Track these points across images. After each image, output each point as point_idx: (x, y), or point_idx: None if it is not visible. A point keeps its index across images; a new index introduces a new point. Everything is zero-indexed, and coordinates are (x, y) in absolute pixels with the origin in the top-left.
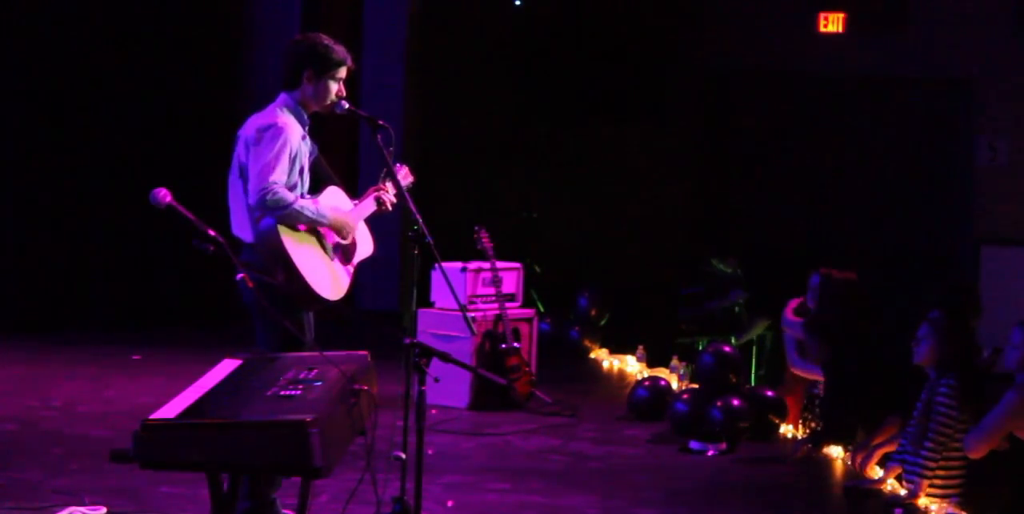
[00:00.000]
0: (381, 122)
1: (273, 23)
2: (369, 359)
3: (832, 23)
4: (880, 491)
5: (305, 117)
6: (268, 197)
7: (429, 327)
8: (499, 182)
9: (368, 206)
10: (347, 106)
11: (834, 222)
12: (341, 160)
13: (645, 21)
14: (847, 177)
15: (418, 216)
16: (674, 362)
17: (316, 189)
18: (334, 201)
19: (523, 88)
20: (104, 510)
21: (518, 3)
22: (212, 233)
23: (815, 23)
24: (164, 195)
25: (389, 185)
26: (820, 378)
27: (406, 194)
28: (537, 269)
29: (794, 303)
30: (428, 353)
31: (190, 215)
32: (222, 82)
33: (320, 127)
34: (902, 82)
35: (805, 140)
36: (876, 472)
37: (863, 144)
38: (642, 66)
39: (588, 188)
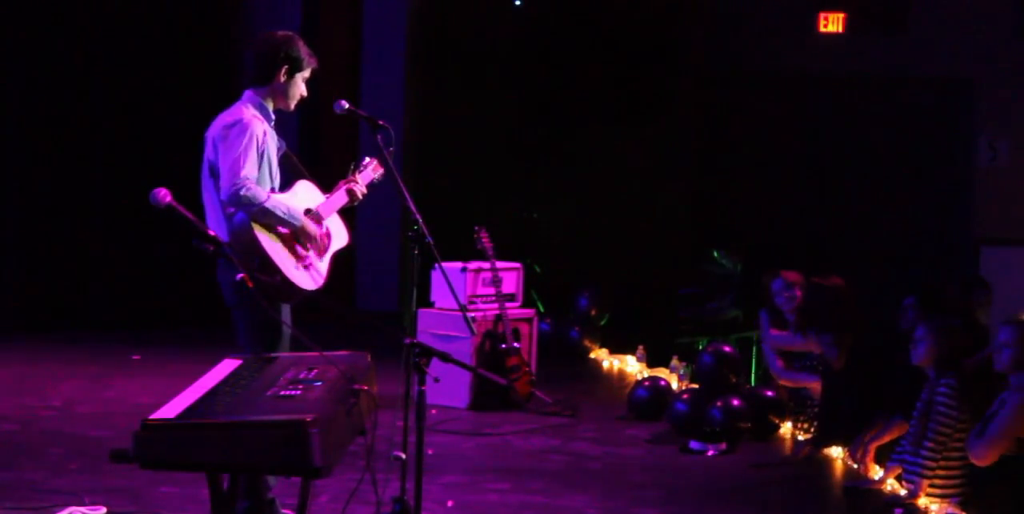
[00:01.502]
0: (381, 122)
1: (273, 23)
2: (369, 359)
3: (832, 23)
4: (880, 491)
5: (271, 113)
6: (241, 193)
7: (429, 327)
8: (499, 182)
9: (340, 198)
10: (347, 106)
11: (834, 222)
12: (341, 160)
13: (645, 21)
14: (847, 177)
15: (418, 216)
16: (674, 362)
17: (286, 184)
18: (306, 195)
19: (523, 88)
20: (104, 510)
21: (518, 3)
22: (212, 233)
23: (815, 23)
24: (164, 195)
25: (359, 176)
26: (808, 385)
27: (406, 194)
28: (537, 269)
29: (764, 317)
30: (428, 353)
31: (190, 215)
32: (222, 82)
33: (320, 127)
34: (902, 82)
35: (805, 140)
36: (876, 472)
37: (863, 144)
38: (642, 66)
39: (588, 188)
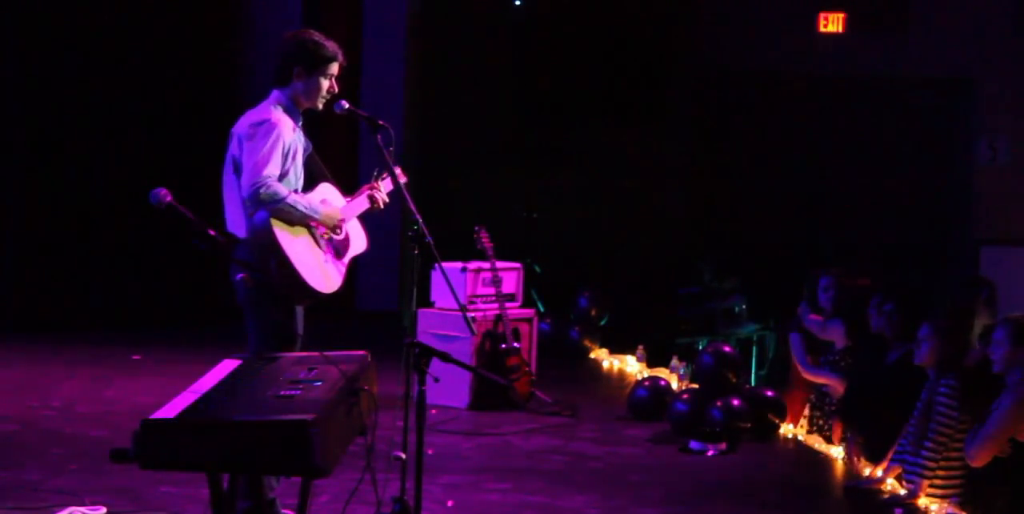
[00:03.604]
0: (381, 122)
1: (273, 23)
2: (369, 359)
3: (832, 23)
4: (880, 491)
5: (298, 113)
6: (262, 191)
7: (429, 327)
8: (499, 182)
9: (361, 203)
10: (347, 106)
11: (833, 222)
12: (341, 160)
13: (645, 21)
14: (846, 177)
15: (418, 216)
16: (674, 362)
17: (309, 185)
18: (326, 197)
19: (523, 88)
20: (104, 510)
21: (518, 3)
22: (212, 233)
23: (815, 23)
24: (164, 195)
25: (382, 183)
26: (831, 382)
27: (406, 194)
28: (537, 269)
29: (804, 307)
30: (428, 353)
31: (190, 215)
32: (222, 82)
33: (320, 127)
34: (902, 82)
35: (804, 140)
36: (876, 472)
37: (863, 144)
38: (642, 66)
39: (588, 188)
